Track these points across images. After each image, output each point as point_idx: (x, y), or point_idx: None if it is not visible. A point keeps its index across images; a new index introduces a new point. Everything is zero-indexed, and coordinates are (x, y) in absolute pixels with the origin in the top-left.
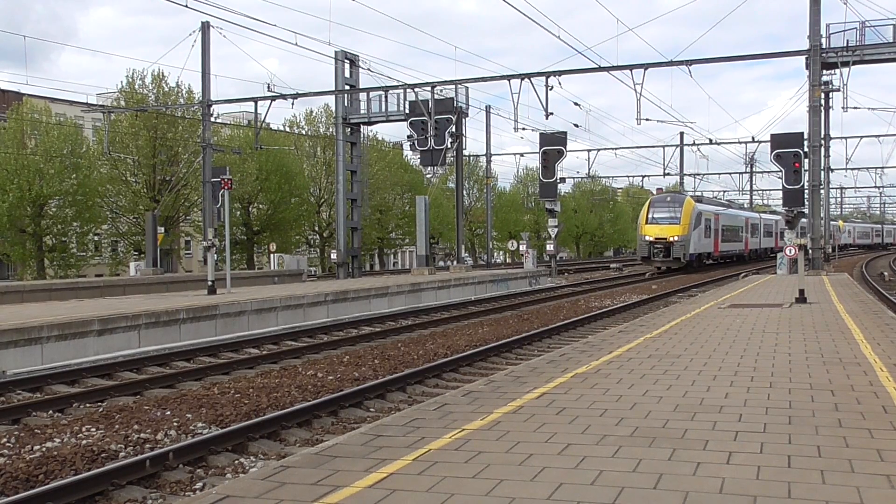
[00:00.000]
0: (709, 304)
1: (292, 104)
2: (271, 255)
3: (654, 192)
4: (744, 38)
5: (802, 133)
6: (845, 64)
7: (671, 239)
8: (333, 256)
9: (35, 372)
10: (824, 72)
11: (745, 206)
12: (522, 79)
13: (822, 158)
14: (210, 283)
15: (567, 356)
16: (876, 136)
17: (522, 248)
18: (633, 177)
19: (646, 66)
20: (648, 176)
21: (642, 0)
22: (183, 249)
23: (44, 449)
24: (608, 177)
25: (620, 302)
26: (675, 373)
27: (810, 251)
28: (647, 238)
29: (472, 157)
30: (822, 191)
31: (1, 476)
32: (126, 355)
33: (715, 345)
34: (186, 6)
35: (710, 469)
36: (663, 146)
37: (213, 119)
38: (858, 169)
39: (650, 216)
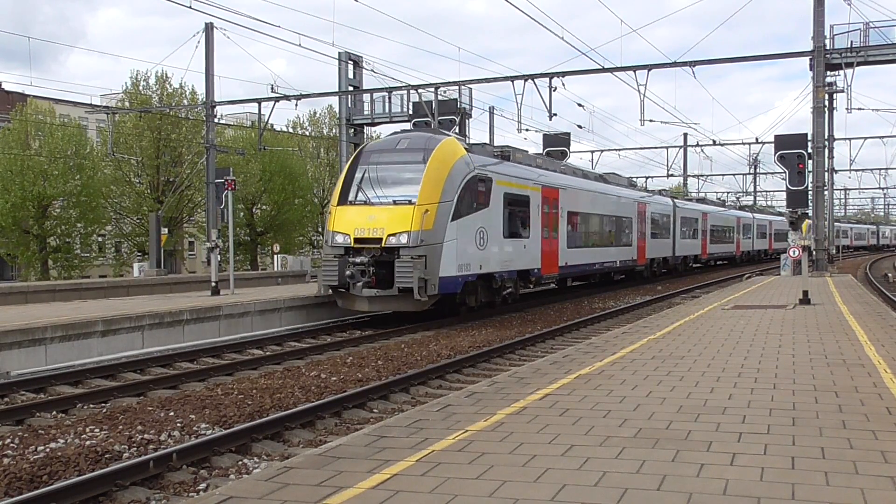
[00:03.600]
0: (712, 305)
1: (296, 105)
2: (275, 256)
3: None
4: (751, 39)
5: (806, 134)
6: (849, 65)
7: (392, 240)
8: None
9: (39, 373)
10: (828, 73)
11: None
12: (526, 80)
13: (826, 160)
14: (213, 284)
15: (570, 357)
16: (880, 138)
17: None
18: (637, 177)
19: (649, 68)
20: (652, 177)
21: (649, 1)
22: (186, 250)
23: (48, 449)
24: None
25: (624, 303)
26: (678, 374)
27: (814, 252)
28: (337, 239)
29: None
30: (825, 192)
31: (5, 477)
32: (130, 356)
33: (719, 346)
34: (190, 7)
35: (714, 470)
36: (667, 147)
37: (216, 120)
38: (863, 170)
39: (353, 188)
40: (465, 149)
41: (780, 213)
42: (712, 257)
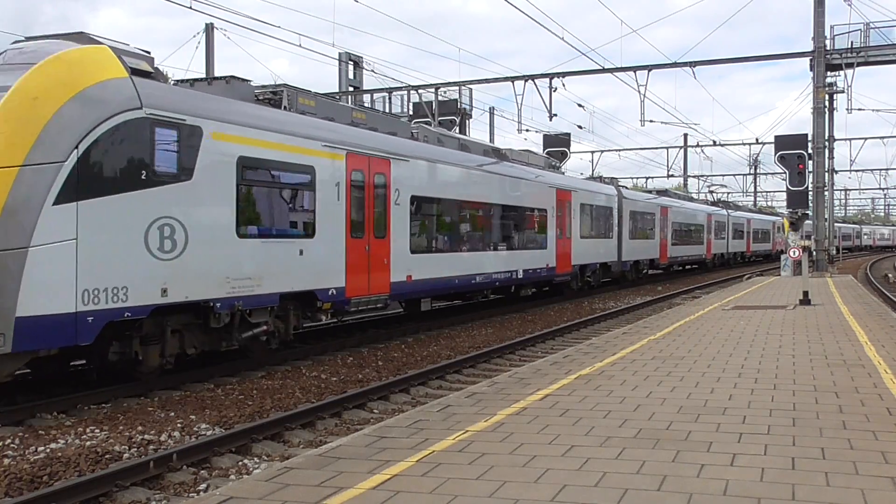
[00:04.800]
0: (713, 305)
1: None
2: None
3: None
4: (753, 39)
5: (806, 135)
6: (849, 66)
7: None
8: None
9: (39, 373)
10: (829, 73)
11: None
12: (526, 80)
13: (826, 160)
14: None
15: (571, 358)
16: (880, 138)
17: None
18: (637, 178)
19: (649, 68)
20: (653, 178)
21: (649, 1)
22: None
23: (48, 450)
24: (612, 178)
25: (625, 304)
26: (679, 374)
27: (814, 253)
28: None
29: None
30: (826, 193)
31: (6, 477)
32: None
33: (719, 346)
34: (190, 7)
35: (714, 471)
36: (667, 148)
37: None
38: (863, 171)
39: None
40: (130, 70)
41: (761, 210)
42: (675, 262)
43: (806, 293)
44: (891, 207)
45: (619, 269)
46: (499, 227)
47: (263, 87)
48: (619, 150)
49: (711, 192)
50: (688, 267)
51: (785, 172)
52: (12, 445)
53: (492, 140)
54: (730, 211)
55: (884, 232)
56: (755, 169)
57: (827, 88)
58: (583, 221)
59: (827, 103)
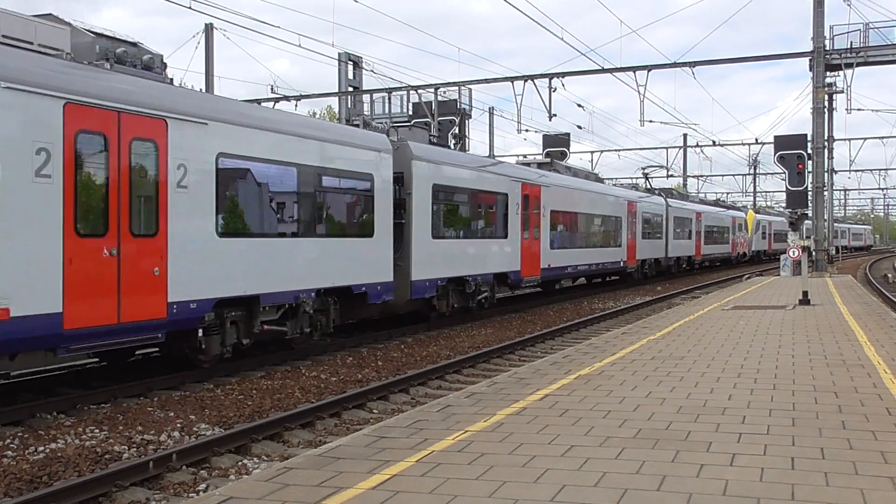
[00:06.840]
0: (712, 305)
1: (296, 106)
2: None
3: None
4: (754, 39)
5: (806, 135)
6: (849, 66)
7: None
8: None
9: (39, 373)
10: (828, 74)
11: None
12: (526, 80)
13: (826, 160)
14: None
15: (570, 358)
16: (880, 138)
17: None
18: (637, 178)
19: (649, 68)
20: (652, 178)
21: (650, 1)
22: None
23: (48, 450)
24: (612, 178)
25: (624, 304)
26: (678, 374)
27: (814, 253)
28: None
29: None
30: (825, 193)
31: (5, 478)
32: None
33: (719, 346)
34: (190, 7)
35: (714, 471)
36: (666, 148)
37: None
38: (862, 171)
39: None
40: None
41: (718, 203)
42: (561, 275)
43: (805, 293)
44: (890, 208)
45: (402, 297)
46: None
47: None
48: (619, 151)
49: (646, 175)
50: (608, 279)
51: (784, 172)
52: (12, 445)
53: (491, 140)
54: (669, 200)
55: (857, 231)
56: (755, 169)
57: (826, 88)
58: (262, 204)
59: (826, 103)
